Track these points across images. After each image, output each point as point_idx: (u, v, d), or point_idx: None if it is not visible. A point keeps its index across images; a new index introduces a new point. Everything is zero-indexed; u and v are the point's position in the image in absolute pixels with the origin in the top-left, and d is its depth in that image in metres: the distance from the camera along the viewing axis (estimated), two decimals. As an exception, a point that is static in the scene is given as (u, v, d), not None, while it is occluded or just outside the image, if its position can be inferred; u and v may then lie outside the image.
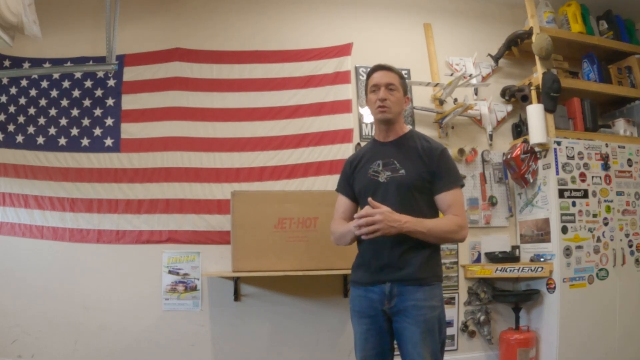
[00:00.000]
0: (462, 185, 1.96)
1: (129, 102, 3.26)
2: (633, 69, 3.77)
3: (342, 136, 3.38)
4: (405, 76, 3.45)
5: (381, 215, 1.76)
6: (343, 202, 2.09)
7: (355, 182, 2.02)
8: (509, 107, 3.74)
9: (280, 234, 2.97)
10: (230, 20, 3.48)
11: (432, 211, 1.93)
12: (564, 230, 3.23)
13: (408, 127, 2.07)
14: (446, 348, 1.97)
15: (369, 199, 1.82)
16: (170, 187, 3.19)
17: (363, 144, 3.30)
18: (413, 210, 1.85)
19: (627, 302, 3.31)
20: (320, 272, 2.95)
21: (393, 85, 1.96)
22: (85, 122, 3.22)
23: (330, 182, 3.26)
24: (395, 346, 1.91)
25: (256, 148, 3.30)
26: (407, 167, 1.91)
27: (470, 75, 3.54)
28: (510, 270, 3.30)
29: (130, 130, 3.23)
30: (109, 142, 3.20)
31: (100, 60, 3.14)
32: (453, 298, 3.39)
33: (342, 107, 3.42)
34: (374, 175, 1.95)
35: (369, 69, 2.07)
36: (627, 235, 3.42)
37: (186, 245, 3.14)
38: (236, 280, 3.09)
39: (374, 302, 1.88)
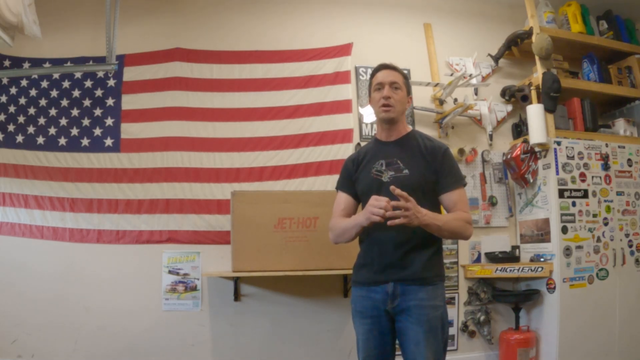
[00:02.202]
0: (465, 185, 1.97)
1: (129, 102, 3.26)
2: (633, 69, 3.77)
3: (342, 136, 3.38)
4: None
5: (412, 204, 1.71)
6: (344, 199, 2.06)
7: (358, 181, 2.02)
8: (509, 107, 3.75)
9: (280, 234, 2.97)
10: (230, 21, 3.48)
11: (435, 211, 1.93)
12: (564, 230, 3.23)
13: (410, 127, 2.07)
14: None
15: (392, 187, 1.73)
16: (170, 187, 3.19)
17: (363, 144, 3.30)
18: None
19: (627, 302, 3.31)
20: (320, 272, 2.95)
21: (397, 84, 1.96)
22: (85, 122, 3.22)
23: (330, 182, 3.26)
24: (397, 346, 1.91)
25: (256, 148, 3.30)
26: (410, 166, 1.90)
27: (470, 75, 3.54)
28: (510, 270, 3.30)
29: (130, 130, 3.23)
30: (109, 142, 3.20)
31: (100, 60, 3.14)
32: (453, 298, 3.39)
33: (342, 107, 3.42)
34: (377, 174, 1.94)
35: (372, 69, 2.07)
36: (627, 235, 3.42)
37: (186, 245, 3.15)
38: (236, 280, 3.09)
39: (376, 302, 1.88)
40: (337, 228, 1.98)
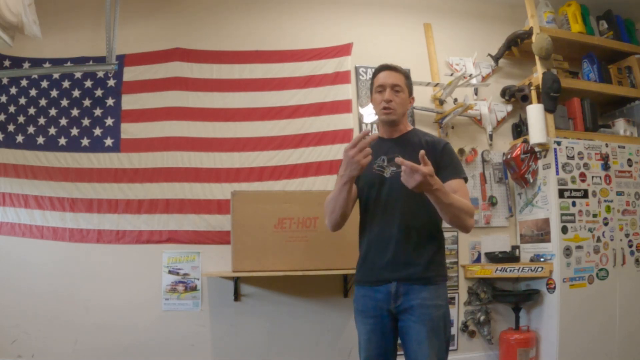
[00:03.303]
0: (466, 179, 1.95)
1: (129, 102, 3.26)
2: (633, 69, 3.77)
3: (342, 136, 3.38)
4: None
5: (421, 177, 1.62)
6: None
7: (360, 176, 2.01)
8: (509, 107, 3.75)
9: (280, 234, 2.97)
10: (230, 21, 3.48)
11: (432, 208, 1.92)
12: (564, 230, 3.23)
13: (411, 126, 2.08)
14: (446, 348, 1.97)
15: (398, 159, 1.67)
16: (170, 187, 3.19)
17: (363, 144, 3.29)
18: (417, 205, 1.85)
19: (627, 302, 3.31)
20: (320, 272, 2.95)
21: (399, 86, 1.96)
22: (85, 122, 3.22)
23: (330, 182, 3.26)
24: (399, 345, 1.91)
25: (256, 148, 3.30)
26: (411, 162, 1.90)
27: (470, 75, 3.54)
28: (510, 270, 3.30)
29: (130, 130, 3.23)
30: (109, 142, 3.20)
31: (100, 60, 3.14)
32: (453, 298, 3.39)
33: (342, 107, 3.42)
34: (379, 170, 1.94)
35: (372, 69, 2.07)
36: (627, 235, 3.42)
37: (186, 245, 3.15)
38: (236, 280, 3.09)
39: (379, 302, 1.88)
40: (326, 206, 1.92)
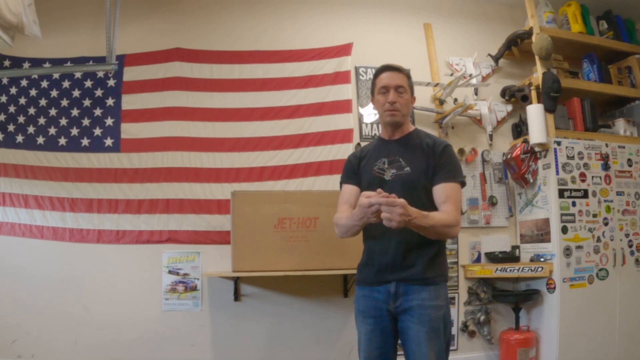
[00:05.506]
0: (463, 182, 1.92)
1: (129, 102, 3.26)
2: (633, 69, 3.77)
3: (342, 136, 3.38)
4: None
5: (401, 209, 1.63)
6: (349, 190, 2.00)
7: (361, 178, 2.01)
8: (509, 107, 3.75)
9: (281, 234, 2.97)
10: (231, 20, 3.48)
11: (434, 209, 1.92)
12: (564, 230, 3.23)
13: (413, 126, 2.06)
14: (446, 348, 1.97)
15: (378, 190, 1.70)
16: (170, 187, 3.19)
17: (363, 143, 3.30)
18: (417, 207, 1.82)
19: (627, 302, 3.31)
20: (320, 272, 2.95)
21: (402, 87, 1.95)
22: (85, 122, 3.22)
23: (331, 182, 3.26)
24: (399, 346, 1.91)
25: (256, 148, 3.30)
26: (412, 164, 1.90)
27: (470, 75, 3.54)
28: (510, 270, 3.31)
29: (130, 130, 3.23)
30: (109, 142, 3.20)
31: (100, 60, 3.14)
32: (453, 298, 3.39)
33: (342, 107, 3.42)
34: (379, 172, 1.94)
35: (372, 69, 2.06)
36: (627, 235, 3.42)
37: (186, 245, 3.15)
38: (236, 280, 3.09)
39: (379, 302, 1.88)
40: (340, 225, 1.93)
